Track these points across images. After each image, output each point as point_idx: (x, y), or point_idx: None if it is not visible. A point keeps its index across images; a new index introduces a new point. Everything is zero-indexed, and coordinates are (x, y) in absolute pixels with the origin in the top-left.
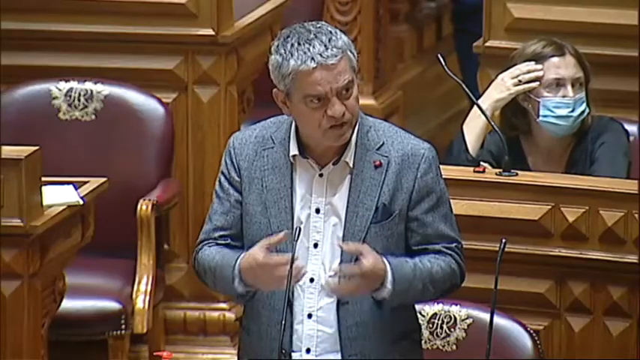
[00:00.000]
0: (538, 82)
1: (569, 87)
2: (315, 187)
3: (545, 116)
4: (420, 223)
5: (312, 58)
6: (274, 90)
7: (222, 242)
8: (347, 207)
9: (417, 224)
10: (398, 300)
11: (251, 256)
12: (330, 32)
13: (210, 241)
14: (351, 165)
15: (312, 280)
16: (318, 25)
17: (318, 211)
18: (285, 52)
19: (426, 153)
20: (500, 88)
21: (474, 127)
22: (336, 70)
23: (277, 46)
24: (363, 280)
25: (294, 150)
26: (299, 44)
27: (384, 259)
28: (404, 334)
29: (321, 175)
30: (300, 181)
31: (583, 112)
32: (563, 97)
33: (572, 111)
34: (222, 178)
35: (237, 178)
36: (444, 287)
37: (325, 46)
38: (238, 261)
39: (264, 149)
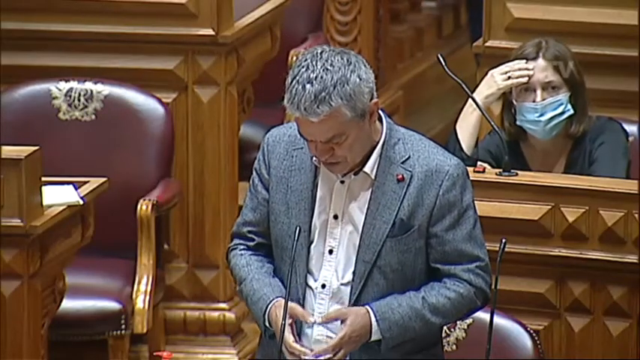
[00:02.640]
0: (527, 79)
1: (538, 92)
2: (335, 193)
3: (520, 120)
4: (440, 241)
5: (297, 107)
6: None
7: (251, 238)
8: (365, 218)
9: (436, 241)
10: (394, 342)
11: (277, 317)
12: (338, 79)
13: (240, 239)
14: (372, 177)
15: (323, 286)
16: (330, 64)
17: (336, 217)
18: (289, 80)
19: (451, 170)
20: (490, 84)
21: (466, 126)
22: (318, 126)
23: (294, 65)
24: (347, 345)
25: None
26: (297, 81)
27: (370, 310)
28: (419, 347)
29: (342, 182)
30: (322, 186)
31: (560, 114)
32: (533, 101)
33: (541, 116)
34: (255, 175)
35: (266, 176)
36: (459, 315)
37: (314, 99)
38: (269, 308)
39: (294, 149)
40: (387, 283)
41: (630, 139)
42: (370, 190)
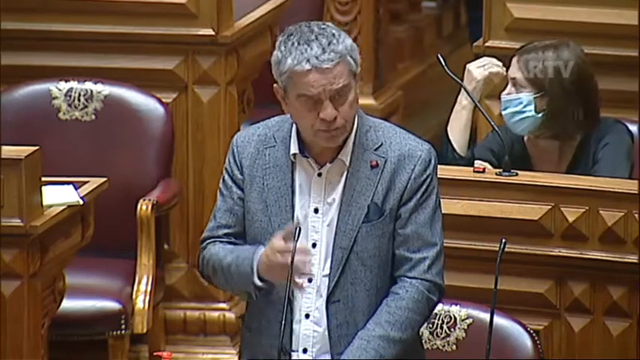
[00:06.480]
0: (500, 69)
1: (508, 86)
2: (313, 187)
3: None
4: (402, 222)
5: (308, 60)
6: (275, 85)
7: (226, 240)
8: (340, 205)
9: (399, 222)
10: None
11: (268, 248)
12: (333, 35)
13: (214, 239)
14: (347, 163)
15: (310, 280)
16: (323, 26)
17: (316, 210)
18: (285, 50)
19: (424, 155)
20: (469, 79)
21: (457, 125)
22: (331, 74)
23: (280, 42)
24: None
25: (294, 149)
26: (298, 44)
27: None
28: None
29: (319, 175)
30: (300, 181)
31: (519, 112)
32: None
33: (504, 110)
34: (226, 176)
35: (239, 176)
36: (423, 317)
37: (323, 49)
38: (256, 255)
39: (265, 148)
40: (365, 270)
41: None
42: (345, 177)
